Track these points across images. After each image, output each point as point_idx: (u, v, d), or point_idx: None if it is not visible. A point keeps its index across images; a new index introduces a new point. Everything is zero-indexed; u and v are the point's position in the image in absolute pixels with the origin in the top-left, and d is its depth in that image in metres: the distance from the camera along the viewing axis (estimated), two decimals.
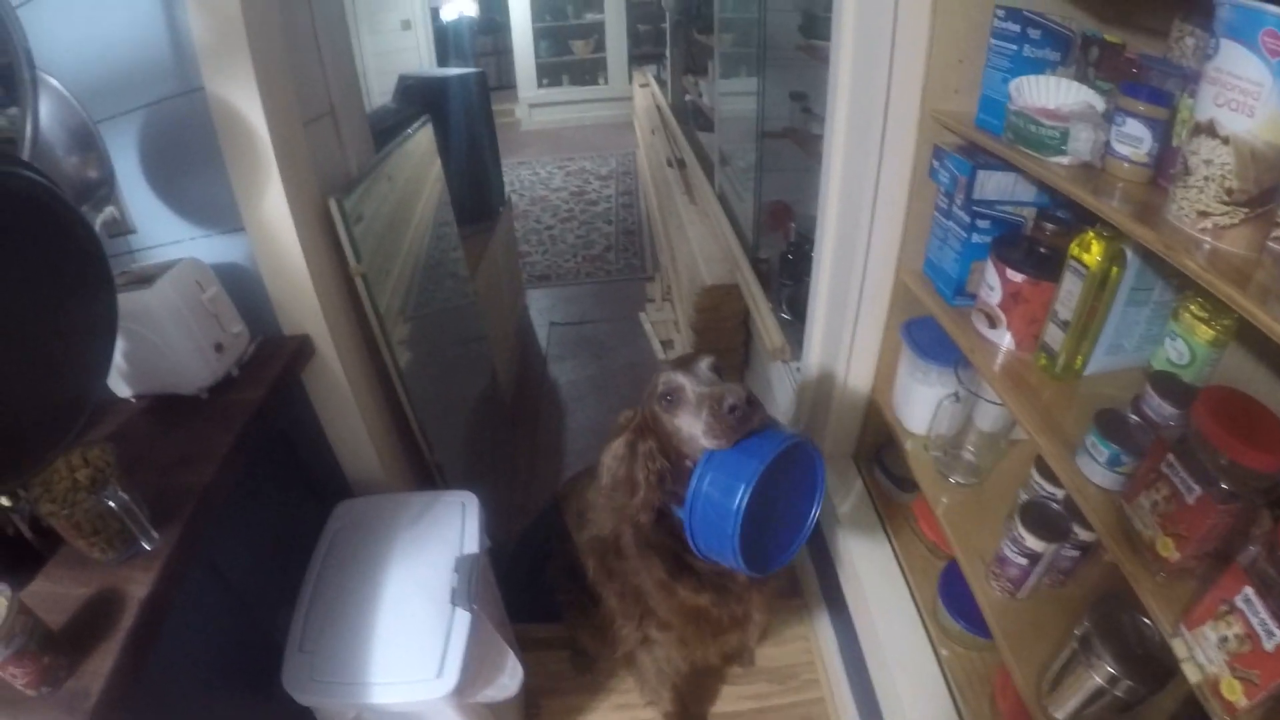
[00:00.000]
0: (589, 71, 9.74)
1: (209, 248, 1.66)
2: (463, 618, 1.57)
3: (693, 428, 1.27)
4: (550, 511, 2.08)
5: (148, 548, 1.18)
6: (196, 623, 1.36)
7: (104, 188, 1.44)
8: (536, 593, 2.22)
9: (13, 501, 1.15)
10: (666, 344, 4.09)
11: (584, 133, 9.15)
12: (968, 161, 1.41)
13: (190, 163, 1.60)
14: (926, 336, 1.67)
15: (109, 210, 1.52)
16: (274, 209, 1.60)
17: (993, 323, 1.40)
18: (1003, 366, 1.36)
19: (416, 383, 2.12)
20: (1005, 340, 1.39)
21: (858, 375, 1.92)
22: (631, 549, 1.55)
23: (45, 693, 1.01)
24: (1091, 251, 1.14)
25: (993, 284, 1.38)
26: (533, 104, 9.60)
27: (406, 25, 5.46)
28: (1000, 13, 1.28)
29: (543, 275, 5.27)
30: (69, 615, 1.11)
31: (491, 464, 3.07)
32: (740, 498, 1.16)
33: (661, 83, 6.94)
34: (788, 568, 1.50)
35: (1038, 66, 1.25)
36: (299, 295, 1.71)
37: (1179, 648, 0.90)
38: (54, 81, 1.30)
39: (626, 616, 1.68)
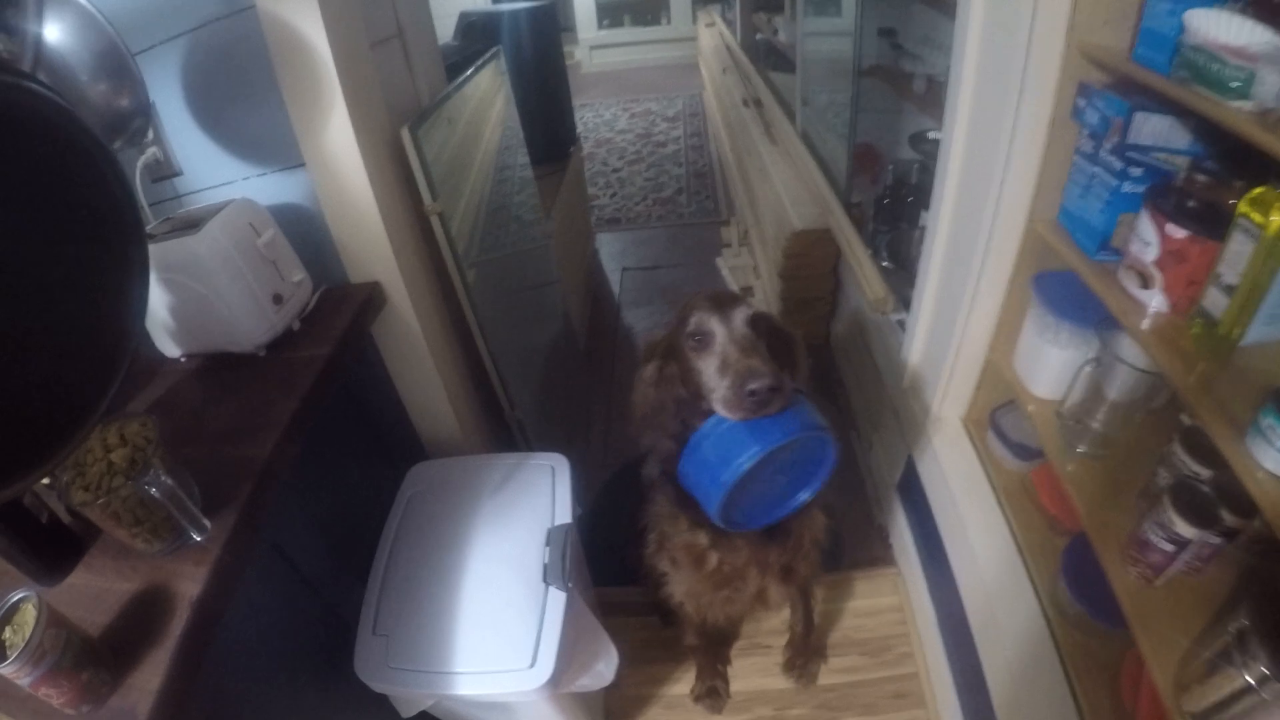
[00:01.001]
0: (650, 11, 9.35)
1: (264, 188, 1.49)
2: (556, 598, 1.42)
3: (712, 383, 1.23)
4: (630, 465, 1.92)
5: (198, 539, 1.02)
6: (257, 608, 1.22)
7: (139, 119, 1.26)
8: (616, 554, 2.08)
9: (50, 484, 0.99)
10: (746, 290, 3.86)
11: (647, 74, 8.81)
12: (1123, 100, 1.25)
13: (241, 93, 1.43)
14: (1060, 293, 1.51)
15: (151, 151, 1.37)
16: (338, 141, 1.42)
17: (1145, 282, 1.24)
18: (1154, 331, 1.21)
19: (492, 332, 1.95)
20: (1156, 302, 1.23)
21: (975, 331, 1.74)
22: (652, 478, 1.53)
23: (86, 712, 0.88)
24: (1269, 210, 1.00)
25: (1148, 239, 1.22)
26: (593, 45, 9.30)
27: None
28: None
29: (613, 219, 5.07)
30: (112, 615, 0.97)
31: (567, 417, 2.93)
32: (730, 474, 1.17)
33: (729, 23, 6.63)
34: (828, 553, 1.61)
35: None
36: (368, 238, 1.53)
37: None
38: None
39: (652, 547, 1.64)
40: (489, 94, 2.36)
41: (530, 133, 2.76)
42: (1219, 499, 1.16)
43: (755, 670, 2.07)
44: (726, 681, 2.04)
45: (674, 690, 2.07)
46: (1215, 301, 1.12)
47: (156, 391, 1.39)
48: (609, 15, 9.29)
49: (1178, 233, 1.17)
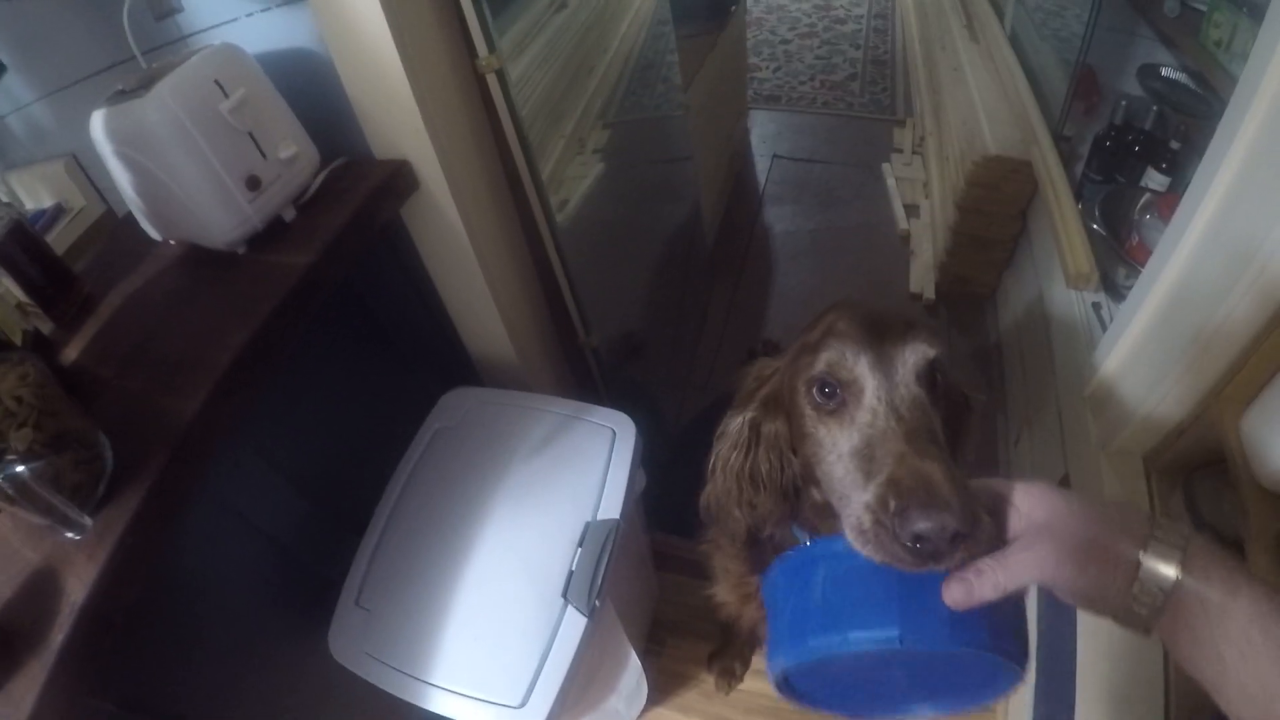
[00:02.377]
0: None
1: (265, 27, 1.11)
2: (574, 622, 1.12)
3: (841, 481, 0.71)
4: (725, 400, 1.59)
5: (73, 536, 0.78)
6: (227, 579, 1.10)
7: None
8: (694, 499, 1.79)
9: None
10: (910, 209, 3.41)
11: None
12: None
13: None
14: None
15: None
16: None
17: None
18: None
19: (570, 235, 1.56)
20: None
21: (1206, 363, 1.28)
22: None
23: None
24: None
25: None
26: None
27: None
28: None
29: (771, 96, 4.54)
30: (12, 588, 0.79)
31: (678, 321, 2.60)
32: (828, 643, 0.64)
33: None
34: None
35: None
36: (390, 99, 1.13)
37: None
38: None
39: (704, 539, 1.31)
40: None
41: None
42: None
43: None
44: (746, 665, 1.83)
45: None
46: None
47: (135, 282, 1.13)
48: None
49: None
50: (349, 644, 1.17)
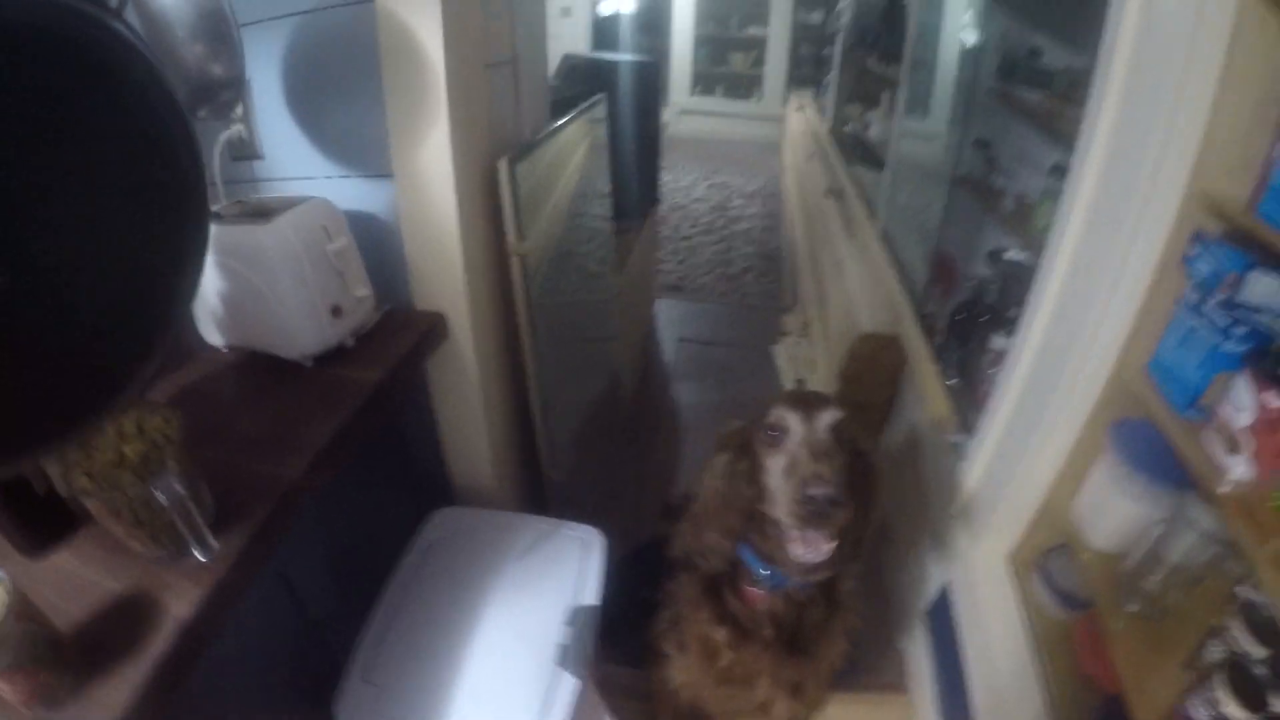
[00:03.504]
0: (744, 86, 9.43)
1: (346, 191, 1.42)
2: (568, 685, 1.30)
3: (775, 483, 1.19)
4: (654, 543, 1.83)
5: (202, 560, 0.91)
6: (246, 631, 1.11)
7: (229, 91, 1.19)
8: (627, 631, 1.92)
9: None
10: (799, 383, 3.76)
11: (732, 147, 8.81)
12: (1240, 253, 1.21)
13: (341, 88, 1.37)
14: (1138, 444, 1.44)
15: (237, 128, 1.30)
16: (434, 157, 1.35)
17: (1232, 447, 1.19)
18: (1234, 498, 1.17)
19: (544, 386, 1.85)
20: (1241, 469, 1.17)
21: (1040, 469, 1.67)
22: (678, 561, 1.48)
23: (39, 713, 0.78)
24: None
25: (1243, 404, 1.18)
26: (683, 110, 9.37)
27: (566, 12, 5.27)
28: None
29: (675, 285, 4.99)
30: (90, 612, 0.88)
31: (599, 482, 2.81)
32: None
33: (820, 109, 6.63)
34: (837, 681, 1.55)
35: None
36: (442, 265, 1.45)
37: None
38: None
39: (664, 625, 1.60)
40: (575, 139, 2.30)
41: (616, 185, 2.71)
42: (1273, 681, 1.12)
43: None
44: None
45: None
46: None
47: (189, 377, 1.31)
48: (702, 83, 9.39)
49: (1276, 401, 1.13)
50: (358, 715, 1.25)
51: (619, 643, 1.95)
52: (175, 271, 0.77)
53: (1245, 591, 1.23)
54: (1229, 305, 1.23)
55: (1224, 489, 1.17)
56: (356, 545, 1.46)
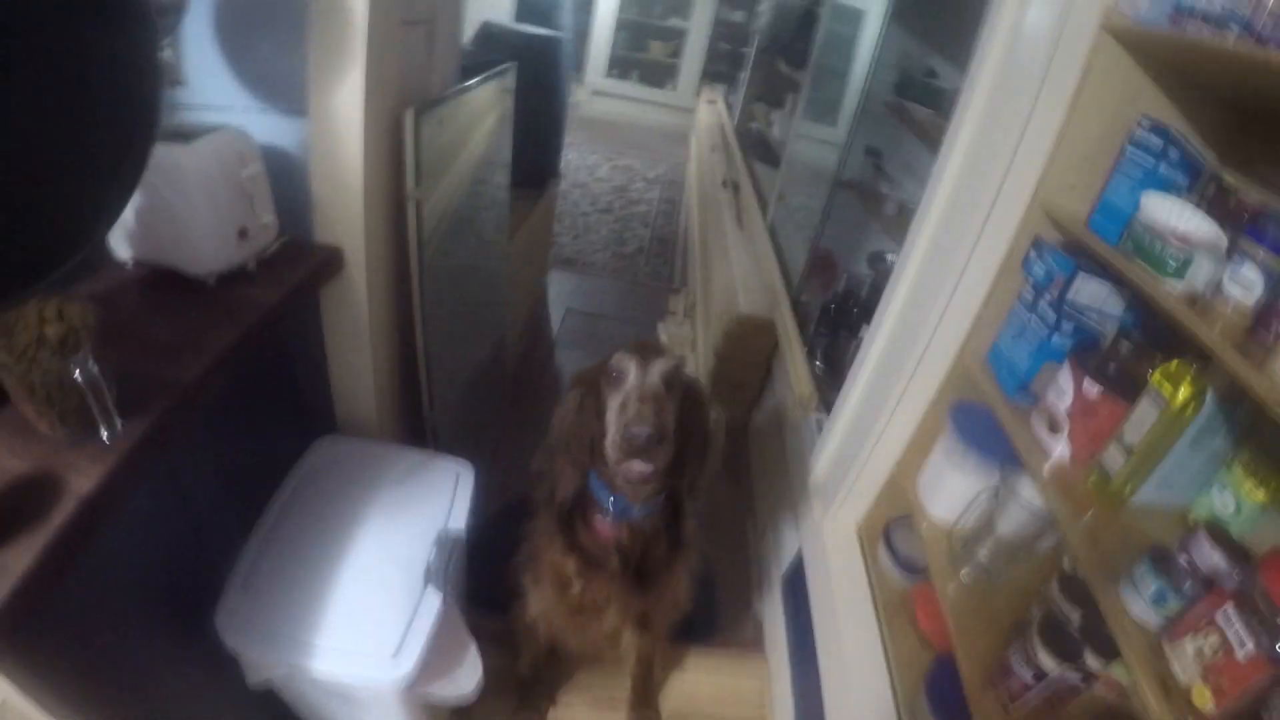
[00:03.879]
0: (660, 75, 9.57)
1: (261, 124, 1.48)
2: (432, 600, 1.42)
3: (610, 420, 1.32)
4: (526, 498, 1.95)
5: (106, 439, 0.99)
6: (135, 529, 1.16)
7: (171, 16, 1.26)
8: (497, 581, 2.04)
9: None
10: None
11: (640, 133, 8.93)
12: (1071, 260, 1.37)
13: (269, 25, 1.43)
14: (973, 423, 1.60)
15: (165, 52, 1.34)
16: (346, 100, 1.44)
17: (1054, 428, 1.35)
18: (1053, 475, 1.31)
19: (431, 331, 1.94)
20: (1061, 448, 1.34)
21: (887, 445, 1.82)
22: (540, 501, 1.58)
23: None
24: (1178, 384, 1.11)
25: (1064, 389, 1.34)
26: (596, 90, 9.41)
27: None
28: (1145, 122, 1.27)
29: (568, 259, 5.10)
30: None
31: (482, 435, 2.91)
32: None
33: (729, 105, 6.83)
34: (699, 626, 1.77)
35: (1166, 186, 1.23)
36: (344, 202, 1.54)
37: None
38: None
39: (523, 559, 1.69)
40: (486, 106, 2.37)
41: (516, 154, 2.79)
42: (1083, 639, 1.24)
43: None
44: (553, 702, 2.05)
45: None
46: (1114, 458, 1.21)
47: (97, 287, 1.35)
48: (619, 67, 9.45)
49: (1093, 388, 1.27)
50: (235, 622, 1.33)
51: (489, 594, 2.05)
52: (116, 176, 0.84)
53: (1066, 564, 1.37)
54: (1059, 304, 1.38)
55: (1046, 467, 1.31)
56: (244, 465, 1.52)
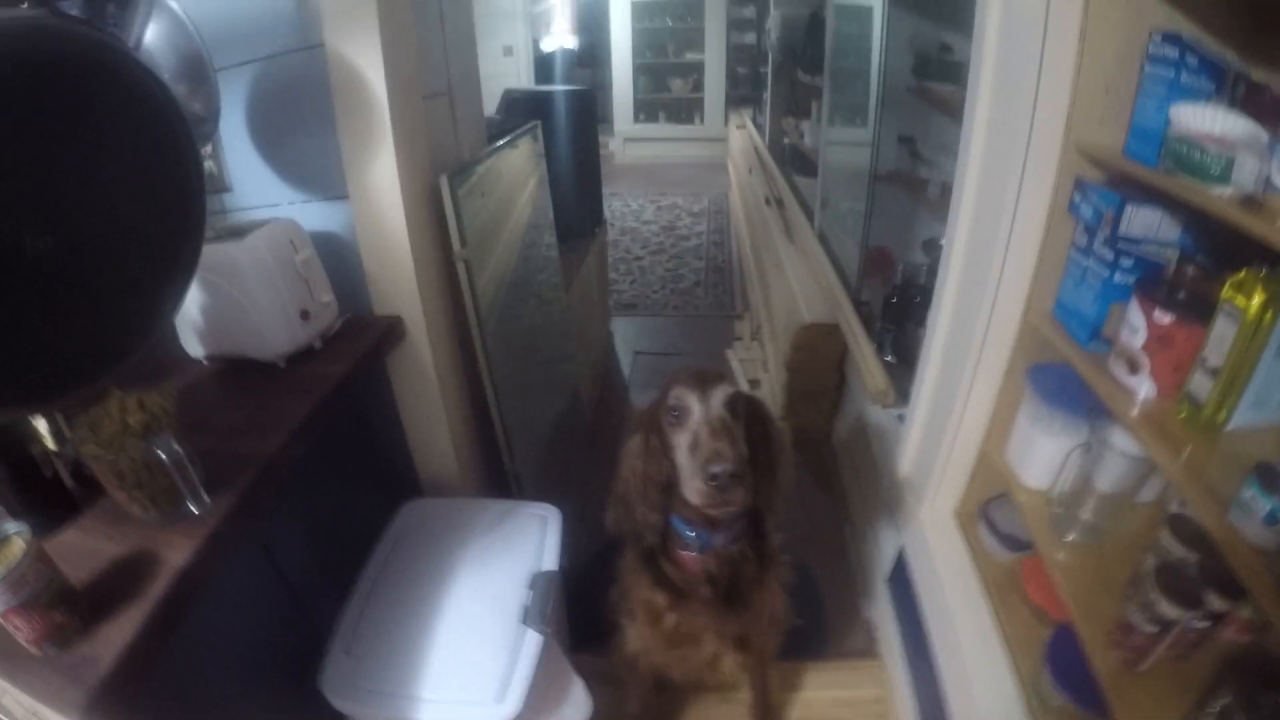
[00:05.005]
0: (685, 110, 9.69)
1: (307, 214, 1.57)
2: (533, 640, 1.43)
3: (683, 460, 1.28)
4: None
5: (195, 511, 1.06)
6: (236, 604, 1.23)
7: (207, 125, 1.35)
8: (598, 620, 2.07)
9: (59, 445, 1.05)
10: (753, 383, 3.91)
11: (677, 170, 9.05)
12: (1115, 194, 1.31)
13: (299, 123, 1.52)
14: (1053, 383, 1.54)
15: (207, 164, 1.44)
16: (382, 179, 1.51)
17: (1133, 368, 1.28)
18: (1143, 416, 1.24)
19: (503, 388, 2.00)
20: (1146, 387, 1.26)
21: (971, 424, 1.78)
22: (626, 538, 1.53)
23: (49, 652, 0.89)
24: (1251, 293, 1.05)
25: (1136, 326, 1.27)
26: (628, 138, 9.60)
27: (508, 51, 5.52)
28: (1157, 37, 1.23)
29: (629, 304, 5.15)
30: (94, 573, 1.00)
31: (567, 483, 2.92)
32: None
33: (759, 126, 6.86)
34: (809, 640, 1.67)
35: (1192, 95, 1.18)
36: (396, 273, 1.61)
37: None
38: (172, 2, 1.21)
39: (615, 599, 1.68)
40: (524, 172, 2.45)
41: (559, 210, 2.85)
42: (1203, 581, 1.18)
43: None
44: None
45: None
46: (1200, 385, 1.15)
47: (175, 384, 1.41)
48: (645, 110, 9.60)
49: (1164, 317, 1.21)
50: (341, 685, 1.36)
51: (595, 633, 2.06)
52: (173, 270, 0.92)
53: (1174, 507, 1.32)
54: (1113, 241, 1.33)
55: (1134, 410, 1.24)
56: (334, 532, 1.58)
